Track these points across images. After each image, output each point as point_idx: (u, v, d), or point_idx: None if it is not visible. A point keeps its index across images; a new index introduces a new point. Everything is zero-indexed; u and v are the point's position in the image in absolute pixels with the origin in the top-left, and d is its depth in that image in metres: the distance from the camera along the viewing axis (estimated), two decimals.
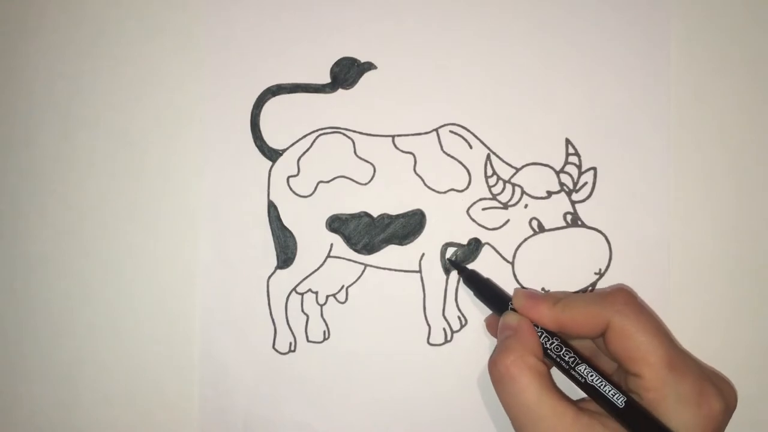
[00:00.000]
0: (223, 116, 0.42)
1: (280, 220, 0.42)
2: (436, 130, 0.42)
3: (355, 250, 0.42)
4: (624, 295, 0.35)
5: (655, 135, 0.41)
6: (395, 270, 0.42)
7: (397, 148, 0.42)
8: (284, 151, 0.42)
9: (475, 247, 0.41)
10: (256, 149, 0.42)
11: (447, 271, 0.41)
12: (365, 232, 0.42)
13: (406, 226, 0.41)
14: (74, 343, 0.43)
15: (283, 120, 0.42)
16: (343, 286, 0.42)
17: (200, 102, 0.42)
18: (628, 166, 0.41)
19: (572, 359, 0.35)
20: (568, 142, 0.41)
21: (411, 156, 0.41)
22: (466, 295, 0.41)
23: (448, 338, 0.42)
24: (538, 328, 0.36)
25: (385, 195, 0.42)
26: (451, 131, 0.41)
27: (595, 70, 0.41)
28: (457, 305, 0.42)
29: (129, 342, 0.43)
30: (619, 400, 0.33)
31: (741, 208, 0.41)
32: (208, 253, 0.42)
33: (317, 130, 0.42)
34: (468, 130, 0.41)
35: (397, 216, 0.41)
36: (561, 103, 0.41)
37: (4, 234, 0.43)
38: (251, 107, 0.42)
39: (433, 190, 0.41)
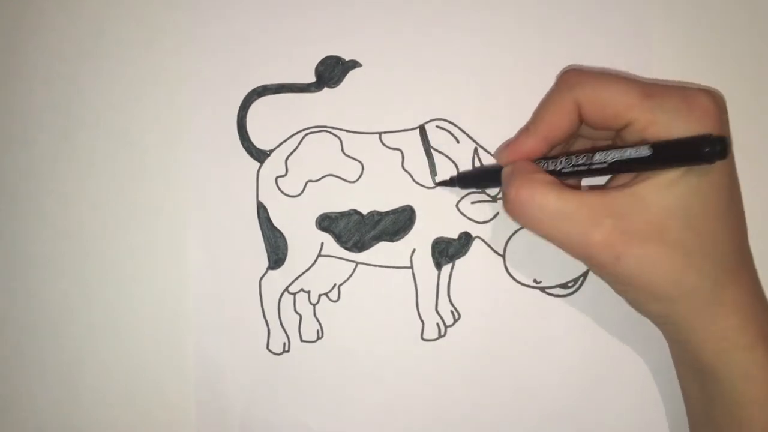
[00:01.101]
0: (209, 119, 0.42)
1: (269, 220, 0.42)
2: (422, 125, 0.42)
3: (346, 248, 0.42)
4: (573, 72, 0.35)
5: None
6: (386, 267, 0.42)
7: (384, 144, 0.42)
8: (272, 151, 0.42)
9: (465, 241, 0.41)
10: (243, 151, 0.42)
11: (438, 266, 0.41)
12: (355, 230, 0.42)
13: (396, 223, 0.41)
14: (69, 344, 0.43)
15: (269, 121, 0.42)
16: (335, 285, 0.42)
17: (186, 105, 0.42)
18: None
19: (585, 157, 0.34)
20: None
21: (398, 152, 0.42)
22: (459, 289, 0.41)
23: (442, 333, 0.42)
24: (541, 162, 0.35)
25: (374, 192, 0.42)
26: (437, 126, 0.41)
27: (580, 61, 0.41)
28: (450, 300, 0.42)
29: (123, 345, 0.43)
30: (644, 152, 0.32)
31: None
32: (199, 257, 0.42)
33: (304, 130, 0.42)
34: (454, 125, 0.41)
35: (387, 213, 0.42)
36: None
37: (4, 234, 0.43)
38: (237, 109, 0.42)
39: (422, 185, 0.41)
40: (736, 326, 0.33)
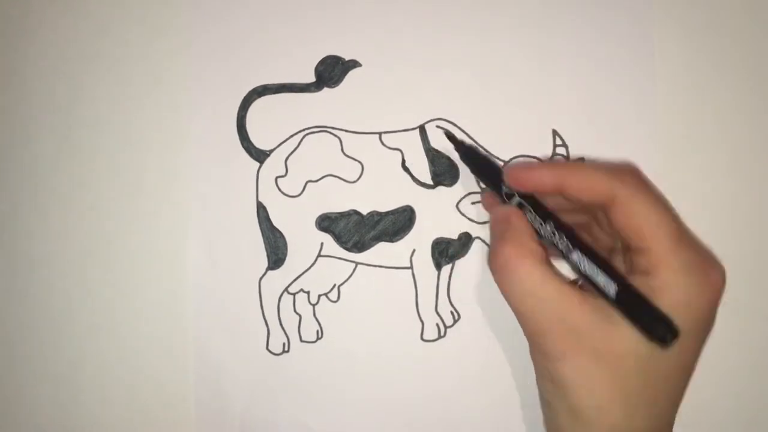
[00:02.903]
0: (209, 119, 0.42)
1: (269, 220, 0.42)
2: (422, 125, 0.42)
3: (346, 249, 0.42)
4: (632, 171, 0.34)
5: (641, 124, 0.41)
6: (386, 267, 0.42)
7: (384, 144, 0.42)
8: (271, 151, 0.42)
9: (465, 241, 0.41)
10: (243, 151, 0.42)
11: (438, 267, 0.41)
12: (355, 230, 0.42)
13: (396, 223, 0.41)
14: (69, 344, 0.43)
15: (269, 120, 0.42)
16: (334, 285, 0.42)
17: (186, 105, 0.42)
18: (615, 156, 0.41)
19: (567, 246, 0.33)
20: (555, 133, 0.41)
21: (398, 152, 0.41)
22: (458, 289, 0.41)
23: (442, 334, 0.42)
24: (531, 213, 0.34)
25: (373, 192, 0.41)
26: (437, 126, 0.41)
27: (580, 60, 0.42)
28: (450, 300, 0.42)
29: (124, 345, 0.43)
30: (611, 290, 0.32)
31: (730, 196, 0.41)
32: (199, 257, 0.42)
33: (304, 130, 0.42)
34: (454, 125, 0.41)
35: (387, 213, 0.41)
36: (547, 95, 0.41)
37: (4, 234, 0.43)
38: (237, 109, 0.42)
39: (422, 185, 0.41)
40: None
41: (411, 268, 0.41)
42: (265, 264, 0.42)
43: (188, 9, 0.42)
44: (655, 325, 0.30)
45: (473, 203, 0.41)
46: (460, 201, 0.41)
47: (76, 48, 0.43)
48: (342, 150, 0.42)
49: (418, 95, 0.42)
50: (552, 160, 0.41)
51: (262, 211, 0.42)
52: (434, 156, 0.41)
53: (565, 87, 0.41)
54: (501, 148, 0.41)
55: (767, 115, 0.42)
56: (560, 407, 0.33)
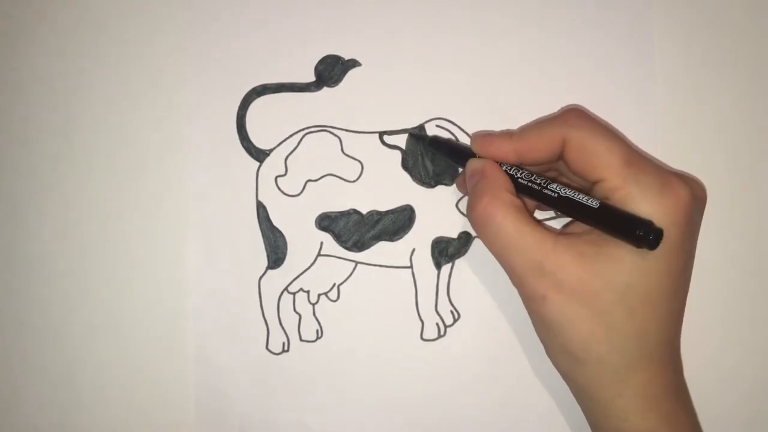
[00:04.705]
0: (208, 118, 0.42)
1: (269, 220, 0.42)
2: (422, 124, 0.42)
3: (346, 248, 0.42)
4: (575, 111, 0.35)
5: (642, 124, 0.41)
6: (386, 266, 0.42)
7: (384, 144, 0.42)
8: (271, 151, 0.42)
9: (465, 240, 0.41)
10: (243, 150, 0.42)
11: (438, 266, 0.41)
12: (355, 230, 0.42)
13: (396, 222, 0.41)
14: (69, 344, 0.43)
15: (269, 120, 0.42)
16: (334, 284, 0.42)
17: (186, 105, 0.42)
18: None
19: (543, 181, 0.35)
20: None
21: (398, 152, 0.41)
22: (459, 289, 0.41)
23: (442, 333, 0.41)
24: (503, 165, 0.36)
25: (373, 191, 0.41)
26: (437, 125, 0.41)
27: (580, 60, 0.42)
28: (450, 300, 0.41)
29: (123, 345, 0.42)
30: (593, 203, 0.33)
31: (730, 196, 0.41)
32: (199, 256, 0.42)
33: (303, 129, 0.42)
34: (454, 124, 0.41)
35: (387, 212, 0.41)
36: (547, 95, 0.41)
37: (4, 234, 0.43)
38: (237, 108, 0.42)
39: (422, 185, 0.41)
40: (639, 410, 0.33)
41: (411, 267, 0.41)
42: (265, 263, 0.42)
43: (187, 8, 0.42)
44: (636, 229, 0.31)
45: None
46: (459, 200, 0.41)
47: (74, 47, 0.43)
48: (342, 149, 0.42)
49: (418, 95, 0.42)
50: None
51: (261, 210, 0.42)
52: (434, 155, 0.41)
53: (565, 87, 0.42)
54: None
55: (767, 115, 0.42)
56: (552, 345, 0.35)
